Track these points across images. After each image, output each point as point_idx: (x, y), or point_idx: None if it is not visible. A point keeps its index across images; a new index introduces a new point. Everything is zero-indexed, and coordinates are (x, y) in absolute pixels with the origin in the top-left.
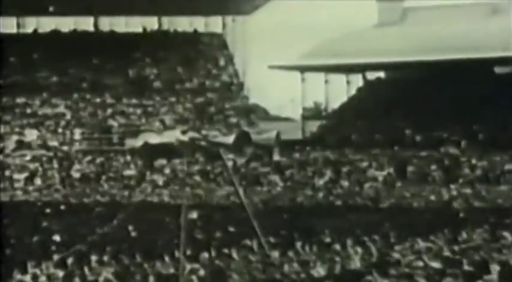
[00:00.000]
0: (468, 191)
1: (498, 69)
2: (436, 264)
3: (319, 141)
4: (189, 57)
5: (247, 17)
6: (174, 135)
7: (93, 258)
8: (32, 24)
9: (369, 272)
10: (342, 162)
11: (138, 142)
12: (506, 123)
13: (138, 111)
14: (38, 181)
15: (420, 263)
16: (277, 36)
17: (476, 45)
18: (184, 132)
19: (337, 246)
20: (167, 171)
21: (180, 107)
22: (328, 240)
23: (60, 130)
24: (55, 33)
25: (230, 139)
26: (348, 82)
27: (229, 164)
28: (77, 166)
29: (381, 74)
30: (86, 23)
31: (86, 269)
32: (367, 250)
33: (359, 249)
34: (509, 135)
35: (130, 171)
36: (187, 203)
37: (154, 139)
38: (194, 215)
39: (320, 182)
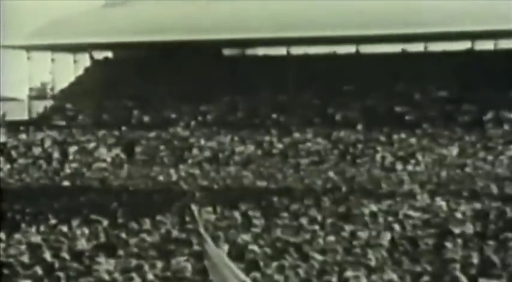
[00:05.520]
0: (197, 171)
1: (226, 51)
2: (165, 245)
3: (46, 121)
4: None
5: None
6: None
7: None
8: None
9: (96, 253)
10: (69, 142)
11: None
12: (235, 104)
13: None
14: None
15: (148, 244)
16: (5, 16)
17: (204, 27)
18: None
19: (64, 228)
20: None
21: None
22: (54, 221)
23: None
24: None
25: None
26: (75, 62)
27: None
28: None
29: (109, 54)
30: None
31: None
32: (94, 231)
33: (86, 230)
34: (237, 116)
35: None
36: None
37: None
38: None
39: (47, 163)
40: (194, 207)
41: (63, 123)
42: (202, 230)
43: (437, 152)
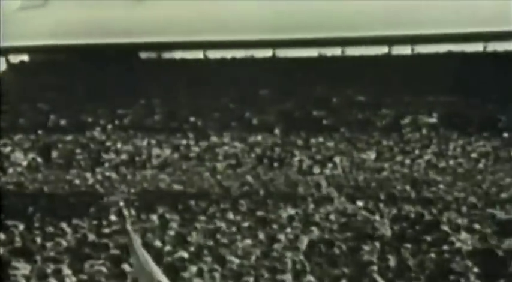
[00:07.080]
0: (113, 175)
1: (143, 55)
2: (82, 249)
3: None
4: None
5: None
6: None
7: None
8: None
9: (13, 258)
10: None
11: None
12: (151, 108)
13: None
14: None
15: (64, 248)
16: None
17: (121, 30)
18: None
19: None
20: None
21: None
22: None
23: None
24: None
25: None
26: None
27: None
28: None
29: (25, 57)
30: None
31: None
32: (10, 236)
33: (1, 235)
34: (154, 119)
35: None
36: None
37: None
38: None
39: None
40: (123, 207)
41: None
42: (129, 227)
43: (355, 155)
